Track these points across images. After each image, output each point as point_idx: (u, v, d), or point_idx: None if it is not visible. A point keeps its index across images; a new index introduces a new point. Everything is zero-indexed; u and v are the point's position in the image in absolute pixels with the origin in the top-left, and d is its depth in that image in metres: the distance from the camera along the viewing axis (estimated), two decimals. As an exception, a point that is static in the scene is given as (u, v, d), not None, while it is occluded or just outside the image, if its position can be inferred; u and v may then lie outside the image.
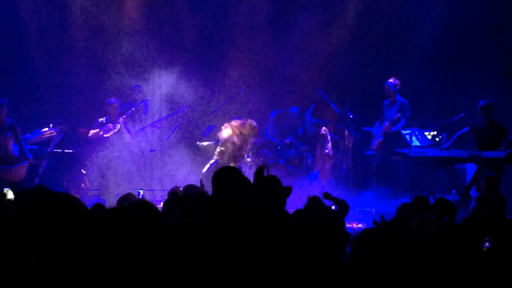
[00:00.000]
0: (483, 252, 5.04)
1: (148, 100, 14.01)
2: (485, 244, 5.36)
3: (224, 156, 12.25)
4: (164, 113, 14.32)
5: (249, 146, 12.30)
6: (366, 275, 4.00)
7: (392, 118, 13.41)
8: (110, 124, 13.31)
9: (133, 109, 13.59)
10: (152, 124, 13.82)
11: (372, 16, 15.07)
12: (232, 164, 11.92)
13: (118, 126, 13.25)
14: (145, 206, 4.06)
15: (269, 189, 5.48)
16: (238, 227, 4.63)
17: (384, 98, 13.84)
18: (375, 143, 13.75)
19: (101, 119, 13.48)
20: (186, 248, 4.34)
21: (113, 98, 13.61)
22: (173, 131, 13.88)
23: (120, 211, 3.98)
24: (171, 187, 8.24)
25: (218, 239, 4.54)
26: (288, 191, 5.92)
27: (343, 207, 6.95)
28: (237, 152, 12.15)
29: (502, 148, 11.87)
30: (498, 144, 12.11)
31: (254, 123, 12.31)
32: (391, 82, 13.62)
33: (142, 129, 13.64)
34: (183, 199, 6.54)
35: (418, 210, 6.96)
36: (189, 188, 7.89)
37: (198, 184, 7.19)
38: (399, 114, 13.35)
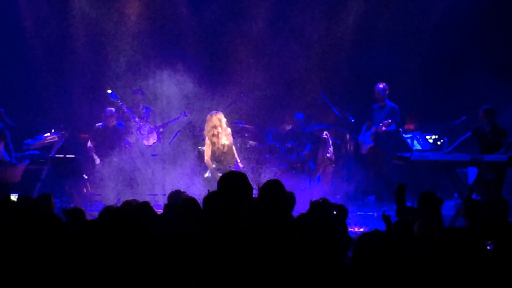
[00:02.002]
0: (485, 256, 5.04)
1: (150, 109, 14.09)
2: (488, 248, 5.36)
3: (222, 159, 12.30)
4: (166, 117, 14.28)
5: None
6: (367, 279, 4.00)
7: (382, 123, 13.42)
8: (146, 132, 13.54)
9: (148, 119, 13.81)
10: (152, 130, 13.80)
11: (373, 19, 15.08)
12: (232, 168, 11.94)
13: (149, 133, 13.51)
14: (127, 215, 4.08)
15: (272, 194, 5.47)
16: (242, 232, 4.62)
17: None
18: (366, 148, 13.77)
19: (98, 124, 13.52)
20: (188, 253, 4.34)
21: (111, 109, 13.61)
22: (174, 136, 13.87)
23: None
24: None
25: (221, 244, 4.54)
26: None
27: (341, 212, 6.95)
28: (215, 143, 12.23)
29: (502, 150, 11.86)
30: (499, 148, 12.09)
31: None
32: (381, 87, 13.68)
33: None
34: (184, 203, 6.55)
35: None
36: (175, 194, 7.83)
37: (204, 191, 7.20)
38: (389, 120, 13.36)
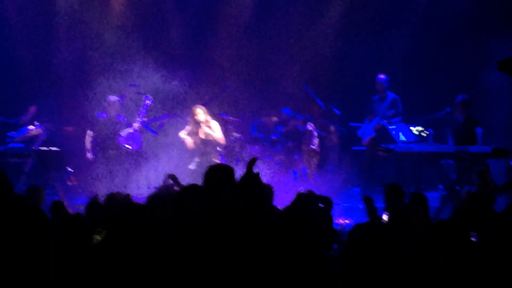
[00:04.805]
0: (470, 246, 5.05)
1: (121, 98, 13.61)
2: (473, 238, 5.36)
3: (207, 150, 12.41)
4: (153, 111, 14.03)
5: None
6: (359, 271, 4.00)
7: (386, 115, 13.44)
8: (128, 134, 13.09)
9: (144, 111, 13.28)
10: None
11: (358, 10, 15.09)
12: (216, 161, 12.02)
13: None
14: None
15: (251, 186, 5.45)
16: (229, 224, 4.61)
17: (372, 93, 13.83)
18: (367, 139, 13.72)
19: (98, 113, 13.14)
20: (175, 247, 4.33)
21: (114, 96, 13.30)
22: (159, 127, 13.81)
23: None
24: (158, 184, 8.14)
25: (208, 236, 4.52)
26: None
27: (327, 204, 6.94)
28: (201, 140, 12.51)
29: (479, 142, 11.93)
30: (473, 138, 12.11)
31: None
32: (383, 78, 13.63)
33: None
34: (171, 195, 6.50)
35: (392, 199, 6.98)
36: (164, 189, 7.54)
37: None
38: (393, 111, 13.40)
